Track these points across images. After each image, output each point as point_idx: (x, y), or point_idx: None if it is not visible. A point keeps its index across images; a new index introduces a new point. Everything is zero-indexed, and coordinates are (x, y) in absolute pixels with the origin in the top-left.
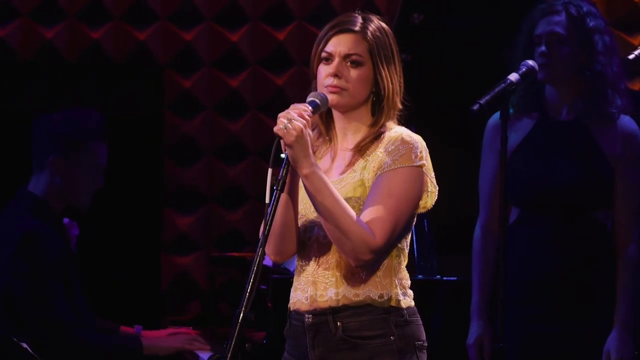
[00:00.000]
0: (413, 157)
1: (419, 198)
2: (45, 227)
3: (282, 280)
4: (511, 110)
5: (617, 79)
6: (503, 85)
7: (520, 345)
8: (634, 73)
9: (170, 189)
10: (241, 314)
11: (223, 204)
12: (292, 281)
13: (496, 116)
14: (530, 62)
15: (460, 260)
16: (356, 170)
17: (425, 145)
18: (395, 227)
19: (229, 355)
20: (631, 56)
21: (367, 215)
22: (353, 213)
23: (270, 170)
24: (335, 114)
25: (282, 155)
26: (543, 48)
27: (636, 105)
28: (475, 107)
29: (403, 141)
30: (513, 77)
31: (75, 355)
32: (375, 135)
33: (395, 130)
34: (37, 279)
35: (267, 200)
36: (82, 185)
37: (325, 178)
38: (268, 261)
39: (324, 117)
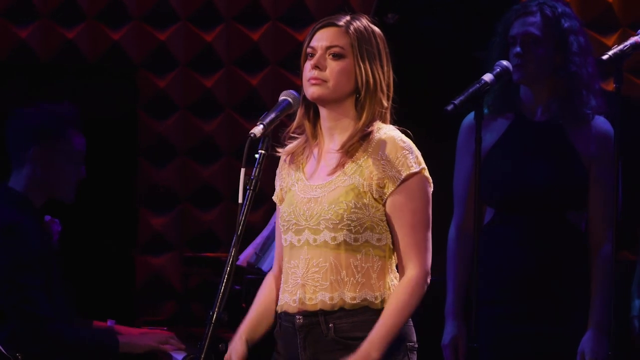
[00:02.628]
0: (414, 164)
1: (430, 199)
2: (26, 220)
3: (256, 280)
4: (486, 111)
5: (591, 80)
6: (477, 85)
7: (495, 345)
8: (607, 74)
9: (144, 189)
10: (214, 315)
11: (197, 204)
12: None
13: (471, 117)
14: (504, 63)
15: (434, 261)
16: (347, 173)
17: (415, 145)
18: (428, 244)
19: (202, 356)
20: (605, 57)
21: (404, 250)
22: (393, 315)
23: (243, 170)
24: (322, 113)
25: (256, 155)
26: (518, 49)
27: (610, 106)
28: (450, 107)
29: (397, 147)
30: (487, 77)
31: (52, 348)
32: (362, 136)
33: (385, 132)
34: (17, 270)
35: (239, 200)
36: (65, 175)
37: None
38: (242, 262)
39: (311, 117)
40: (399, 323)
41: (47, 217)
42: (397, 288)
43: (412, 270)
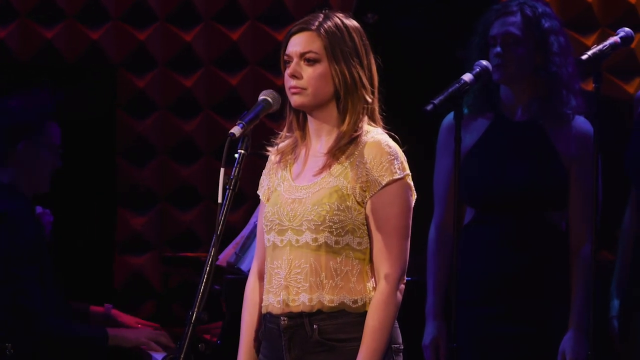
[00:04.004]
0: (397, 170)
1: (412, 207)
2: (19, 210)
3: (236, 280)
4: (466, 111)
5: (571, 80)
6: (457, 85)
7: (476, 345)
8: (587, 74)
9: (123, 188)
10: (194, 314)
11: (176, 204)
12: (246, 282)
13: (450, 117)
14: (484, 62)
15: (416, 261)
16: (333, 174)
17: (401, 151)
18: (402, 251)
19: (181, 356)
20: (584, 57)
21: (376, 255)
22: (373, 338)
23: (222, 170)
24: (308, 117)
25: (235, 155)
26: (498, 49)
27: (590, 106)
28: (429, 107)
29: (382, 152)
30: (467, 77)
31: (42, 341)
32: (349, 139)
33: (372, 136)
34: (11, 261)
35: (219, 200)
36: (47, 167)
37: None
38: (221, 261)
39: (300, 121)
40: (381, 343)
41: (39, 209)
42: (371, 305)
43: (382, 279)
